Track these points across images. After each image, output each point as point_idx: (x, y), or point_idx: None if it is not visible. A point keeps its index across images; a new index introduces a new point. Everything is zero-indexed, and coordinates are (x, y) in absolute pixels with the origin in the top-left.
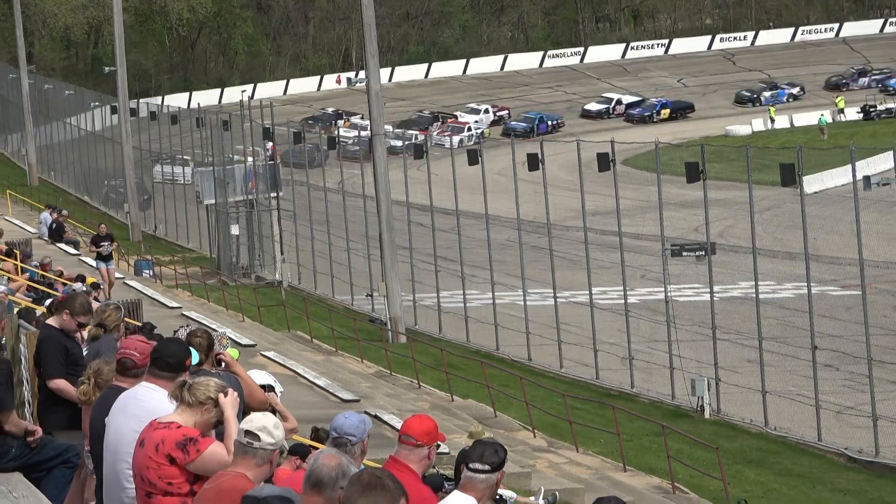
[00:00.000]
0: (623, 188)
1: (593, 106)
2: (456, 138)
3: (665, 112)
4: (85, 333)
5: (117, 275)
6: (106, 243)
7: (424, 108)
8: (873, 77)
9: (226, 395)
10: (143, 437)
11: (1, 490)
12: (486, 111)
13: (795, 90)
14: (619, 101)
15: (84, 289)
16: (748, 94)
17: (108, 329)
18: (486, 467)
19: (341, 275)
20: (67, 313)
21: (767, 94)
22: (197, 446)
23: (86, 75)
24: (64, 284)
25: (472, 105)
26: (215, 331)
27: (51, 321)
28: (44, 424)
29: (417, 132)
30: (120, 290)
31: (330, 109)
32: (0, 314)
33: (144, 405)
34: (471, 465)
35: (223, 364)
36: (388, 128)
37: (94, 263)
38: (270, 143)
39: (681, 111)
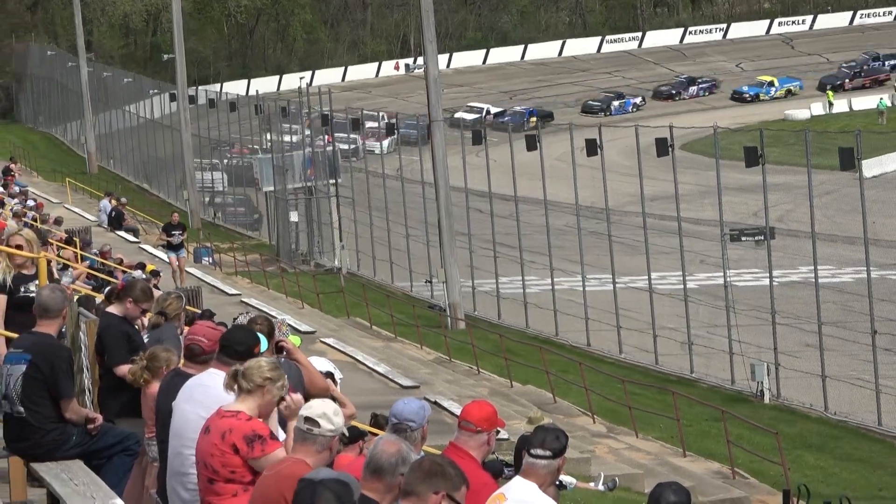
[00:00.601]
0: (682, 173)
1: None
2: None
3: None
4: (145, 321)
5: None
6: (177, 232)
7: (482, 94)
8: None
9: (279, 372)
10: (209, 425)
11: (62, 478)
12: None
13: (637, 100)
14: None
15: (144, 276)
16: (596, 103)
17: (169, 317)
18: (548, 453)
19: (400, 261)
20: (131, 301)
21: (615, 103)
22: (264, 447)
23: (144, 63)
24: (123, 272)
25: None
26: (275, 318)
27: (112, 309)
28: (105, 412)
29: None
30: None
31: None
32: (62, 305)
33: (211, 392)
34: (532, 451)
35: (284, 351)
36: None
37: (163, 255)
38: (325, 135)
39: None
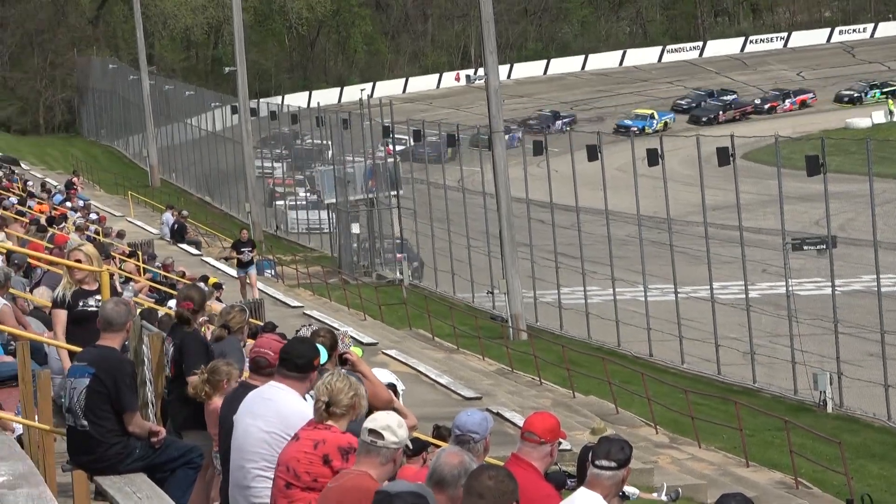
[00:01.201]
0: (743, 182)
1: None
2: None
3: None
4: (208, 333)
5: (237, 274)
6: (247, 249)
7: (543, 104)
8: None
9: (357, 383)
10: (299, 434)
11: (125, 491)
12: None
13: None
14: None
15: (207, 288)
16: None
17: (233, 330)
18: (613, 464)
19: (462, 272)
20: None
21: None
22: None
23: (206, 76)
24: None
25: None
26: (337, 330)
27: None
28: (173, 422)
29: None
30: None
31: None
32: (126, 319)
33: (273, 405)
34: (597, 462)
35: (348, 363)
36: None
37: (233, 272)
38: (385, 147)
39: None
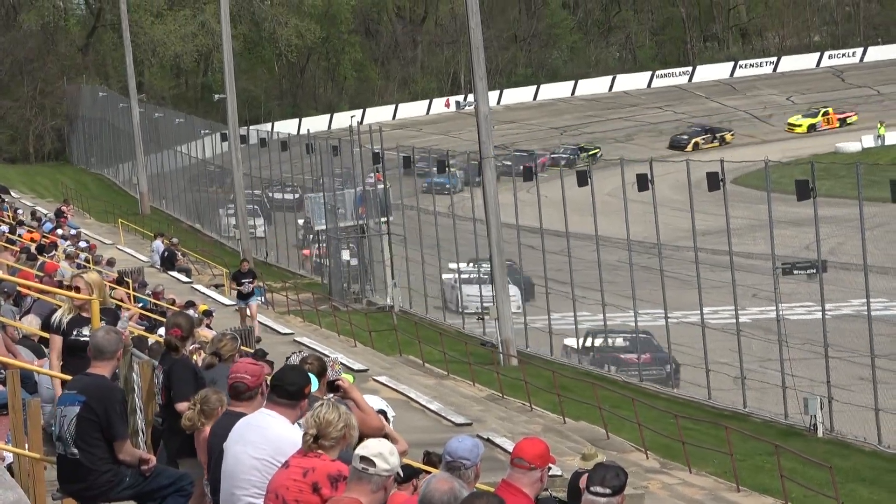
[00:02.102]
0: (733, 207)
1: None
2: None
3: None
4: (199, 360)
5: (228, 301)
6: (247, 280)
7: (533, 130)
8: None
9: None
10: (289, 461)
11: None
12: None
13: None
14: None
15: (196, 315)
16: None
17: (224, 358)
18: (608, 491)
19: (452, 298)
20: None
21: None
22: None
23: (195, 103)
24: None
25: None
26: (327, 356)
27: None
28: (167, 450)
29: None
30: (232, 317)
31: None
32: (117, 347)
33: (263, 432)
34: (592, 489)
35: (340, 390)
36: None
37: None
38: (375, 173)
39: None
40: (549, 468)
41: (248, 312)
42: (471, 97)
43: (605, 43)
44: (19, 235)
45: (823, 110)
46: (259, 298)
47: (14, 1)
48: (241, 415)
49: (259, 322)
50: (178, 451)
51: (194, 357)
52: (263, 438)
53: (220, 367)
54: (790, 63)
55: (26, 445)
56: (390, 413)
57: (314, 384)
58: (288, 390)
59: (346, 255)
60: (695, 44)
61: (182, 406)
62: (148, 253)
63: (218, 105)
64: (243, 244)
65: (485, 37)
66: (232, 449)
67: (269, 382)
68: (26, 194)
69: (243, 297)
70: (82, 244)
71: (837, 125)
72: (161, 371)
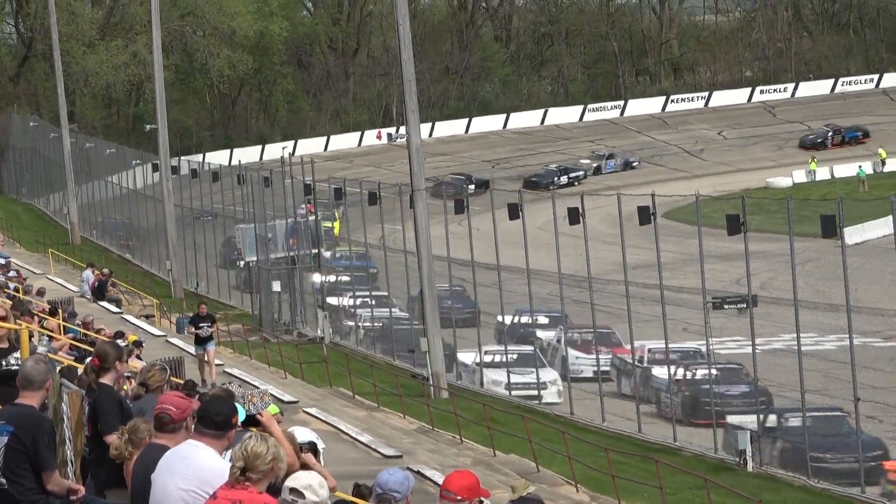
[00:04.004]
0: (664, 241)
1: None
2: None
3: None
4: (129, 391)
5: (158, 332)
6: (206, 324)
7: (465, 163)
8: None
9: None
10: (217, 493)
11: None
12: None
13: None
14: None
15: (125, 345)
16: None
17: (151, 388)
18: None
19: (383, 330)
20: (119, 362)
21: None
22: None
23: (127, 133)
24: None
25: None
26: (256, 387)
27: (104, 380)
28: (95, 482)
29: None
30: (161, 347)
31: None
32: (46, 377)
33: (191, 463)
34: None
35: (259, 424)
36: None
37: (191, 349)
38: (306, 204)
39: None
40: (481, 501)
41: (207, 358)
42: (403, 129)
43: (537, 76)
44: None
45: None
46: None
47: None
48: (165, 447)
49: (184, 350)
50: (106, 481)
51: (125, 387)
52: (190, 469)
53: (149, 397)
54: (722, 98)
55: None
56: (320, 445)
57: (241, 414)
58: (214, 420)
59: (276, 286)
60: (627, 78)
61: (110, 437)
62: (78, 283)
63: (149, 135)
64: (174, 274)
65: (417, 69)
66: (159, 480)
67: (195, 414)
68: None
69: (201, 341)
70: (11, 273)
71: None
72: (87, 402)
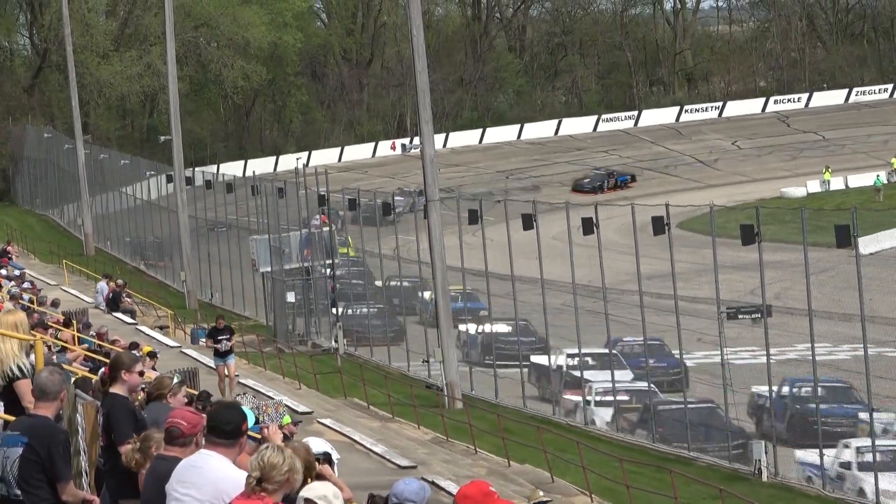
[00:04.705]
0: (678, 251)
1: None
2: None
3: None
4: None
5: (173, 343)
6: (224, 337)
7: (479, 173)
8: None
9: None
10: (232, 503)
11: None
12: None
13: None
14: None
15: (139, 355)
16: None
17: (154, 396)
18: None
19: (397, 341)
20: (126, 371)
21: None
22: None
23: (141, 144)
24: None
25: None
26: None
27: (114, 389)
28: (108, 492)
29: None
30: (176, 358)
31: None
32: (61, 387)
33: (205, 473)
34: None
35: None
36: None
37: (211, 362)
38: (320, 215)
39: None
40: None
41: (227, 372)
42: (417, 140)
43: (551, 87)
44: None
45: None
46: (204, 339)
47: None
48: (175, 459)
49: (198, 361)
50: (119, 491)
51: (139, 398)
52: (205, 479)
53: (160, 406)
54: (735, 108)
55: None
56: (335, 456)
57: (251, 420)
58: (225, 430)
59: (290, 297)
60: (640, 88)
61: (124, 447)
62: (93, 294)
63: (163, 146)
64: (188, 285)
65: (431, 80)
66: (174, 491)
67: (205, 425)
68: None
69: (220, 355)
70: (26, 285)
71: None
72: (102, 412)
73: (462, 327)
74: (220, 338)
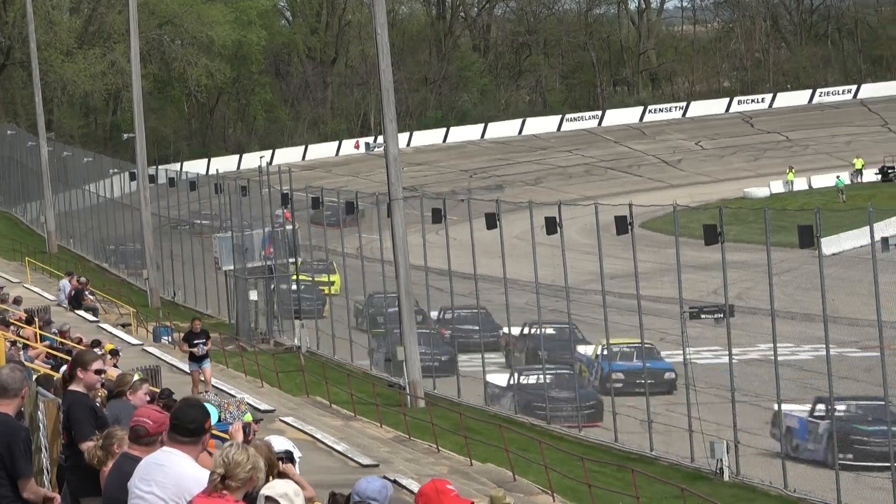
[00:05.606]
0: (641, 251)
1: None
2: None
3: None
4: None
5: (135, 341)
6: (201, 342)
7: (442, 172)
8: None
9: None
10: (193, 501)
11: None
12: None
13: None
14: None
15: (101, 352)
16: None
17: (115, 394)
18: None
19: (360, 340)
20: (81, 369)
21: None
22: None
23: (104, 142)
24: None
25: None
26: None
27: (73, 387)
28: (69, 489)
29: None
30: (139, 356)
31: None
32: (22, 384)
33: (168, 471)
34: None
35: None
36: None
37: (186, 367)
38: (283, 210)
39: None
40: None
41: (203, 377)
42: (381, 139)
43: (515, 86)
44: None
45: None
46: (166, 337)
47: None
48: (138, 459)
49: (161, 359)
50: (80, 489)
51: (101, 396)
52: (167, 477)
53: (122, 402)
54: (699, 108)
55: None
56: (297, 454)
57: (214, 417)
58: (188, 428)
59: (253, 295)
60: (604, 88)
61: (85, 444)
62: (55, 292)
63: (127, 144)
64: (151, 283)
65: (395, 79)
66: (136, 489)
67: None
68: None
69: (196, 359)
70: None
71: None
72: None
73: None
74: (196, 342)
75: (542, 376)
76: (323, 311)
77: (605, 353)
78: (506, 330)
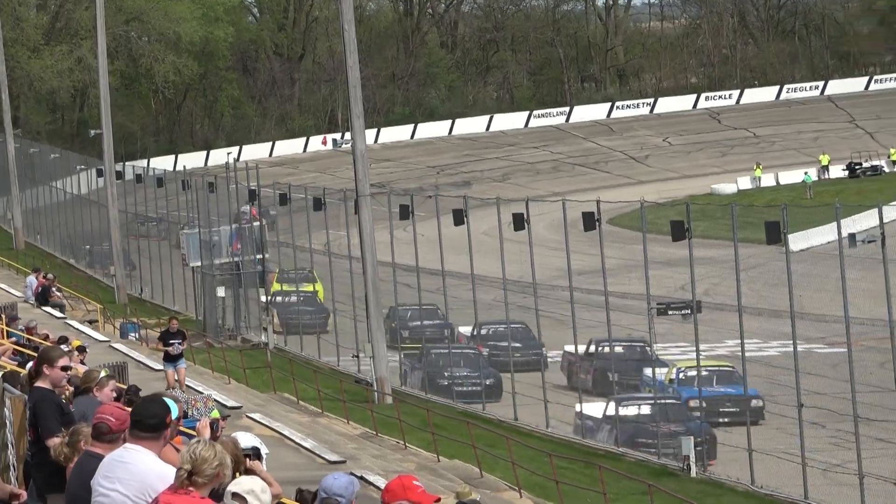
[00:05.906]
0: (609, 247)
1: None
2: None
3: None
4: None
5: (101, 337)
6: (176, 341)
7: (410, 169)
8: None
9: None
10: (159, 498)
11: None
12: None
13: None
14: None
15: (68, 349)
16: None
17: (81, 390)
18: None
19: (327, 336)
20: (47, 366)
21: None
22: None
23: (71, 139)
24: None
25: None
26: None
27: (39, 384)
28: (37, 487)
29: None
30: (105, 352)
31: None
32: None
33: (131, 468)
34: None
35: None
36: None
37: (160, 365)
38: (250, 206)
39: None
40: None
41: (177, 377)
42: (348, 135)
43: (482, 83)
44: None
45: None
46: (133, 334)
47: None
48: (100, 456)
49: (128, 355)
50: (47, 485)
51: (67, 394)
52: (130, 474)
53: (89, 399)
54: (667, 104)
55: None
56: (263, 450)
57: (174, 411)
58: (149, 423)
59: (220, 291)
60: (572, 84)
61: (52, 441)
62: (22, 288)
63: (94, 141)
64: (118, 280)
65: (362, 75)
66: (99, 487)
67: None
68: None
69: (171, 359)
70: None
71: None
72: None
73: (569, 347)
74: (171, 341)
75: (642, 406)
76: (326, 325)
77: (682, 376)
78: (569, 348)
